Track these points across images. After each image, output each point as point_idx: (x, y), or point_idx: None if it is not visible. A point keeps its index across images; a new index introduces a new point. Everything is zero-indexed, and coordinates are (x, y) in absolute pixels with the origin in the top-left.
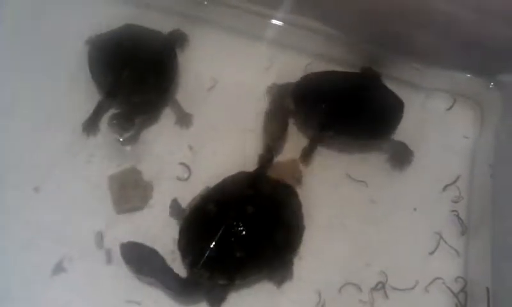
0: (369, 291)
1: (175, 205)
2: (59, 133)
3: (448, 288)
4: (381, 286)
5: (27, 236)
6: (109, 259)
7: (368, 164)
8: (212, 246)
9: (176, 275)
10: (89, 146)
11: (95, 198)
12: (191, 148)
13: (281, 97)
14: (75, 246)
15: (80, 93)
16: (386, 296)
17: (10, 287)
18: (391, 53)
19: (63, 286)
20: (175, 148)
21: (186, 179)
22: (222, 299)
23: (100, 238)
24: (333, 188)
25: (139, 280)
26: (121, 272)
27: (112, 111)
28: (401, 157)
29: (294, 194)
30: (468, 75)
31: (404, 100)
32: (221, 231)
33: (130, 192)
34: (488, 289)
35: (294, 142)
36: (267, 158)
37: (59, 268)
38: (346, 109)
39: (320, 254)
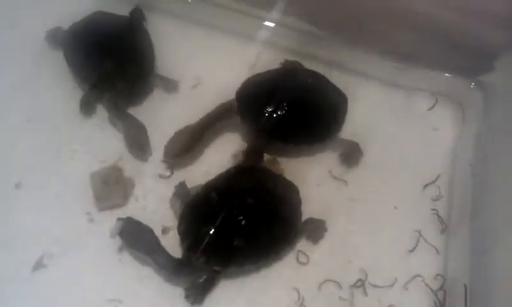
0: (349, 289)
1: (181, 187)
2: (41, 130)
3: (428, 285)
4: (360, 284)
5: (7, 233)
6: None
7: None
8: (210, 232)
9: (169, 256)
10: (72, 143)
11: (77, 195)
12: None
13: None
14: (56, 243)
15: (64, 89)
16: (366, 293)
17: None
18: (373, 53)
19: (44, 282)
20: (158, 146)
21: (168, 177)
22: (206, 290)
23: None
24: (314, 188)
25: (131, 255)
26: (102, 268)
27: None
28: (351, 155)
29: (295, 191)
30: (449, 75)
31: (385, 99)
32: (220, 218)
33: (111, 189)
34: (465, 286)
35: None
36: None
37: (39, 265)
38: (292, 115)
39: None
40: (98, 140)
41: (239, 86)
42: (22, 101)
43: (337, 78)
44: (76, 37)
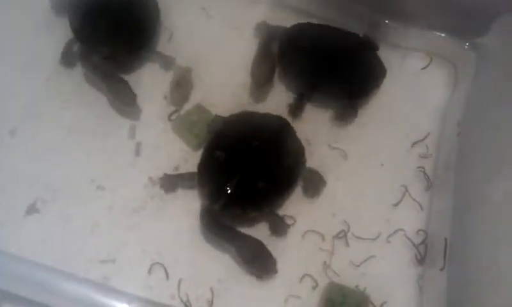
0: (331, 239)
1: (165, 179)
2: (34, 79)
3: (409, 239)
4: (342, 235)
5: (1, 178)
6: (137, 152)
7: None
8: (228, 190)
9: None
10: (65, 93)
11: (69, 143)
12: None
13: (270, 40)
14: (49, 189)
15: (56, 39)
16: (347, 244)
17: None
18: (370, 12)
19: (36, 226)
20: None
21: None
22: None
23: (133, 130)
24: (304, 143)
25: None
26: (92, 215)
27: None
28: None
29: (283, 120)
30: (444, 35)
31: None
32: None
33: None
34: (445, 239)
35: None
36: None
37: (32, 209)
38: (332, 68)
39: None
40: (90, 90)
41: (282, 37)
42: (16, 50)
43: None
44: None
